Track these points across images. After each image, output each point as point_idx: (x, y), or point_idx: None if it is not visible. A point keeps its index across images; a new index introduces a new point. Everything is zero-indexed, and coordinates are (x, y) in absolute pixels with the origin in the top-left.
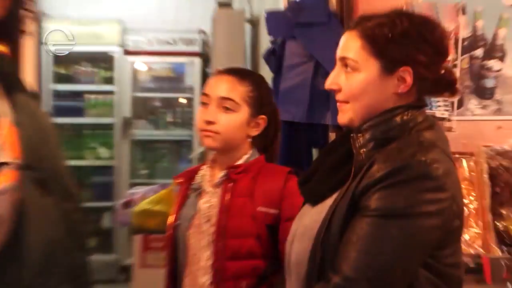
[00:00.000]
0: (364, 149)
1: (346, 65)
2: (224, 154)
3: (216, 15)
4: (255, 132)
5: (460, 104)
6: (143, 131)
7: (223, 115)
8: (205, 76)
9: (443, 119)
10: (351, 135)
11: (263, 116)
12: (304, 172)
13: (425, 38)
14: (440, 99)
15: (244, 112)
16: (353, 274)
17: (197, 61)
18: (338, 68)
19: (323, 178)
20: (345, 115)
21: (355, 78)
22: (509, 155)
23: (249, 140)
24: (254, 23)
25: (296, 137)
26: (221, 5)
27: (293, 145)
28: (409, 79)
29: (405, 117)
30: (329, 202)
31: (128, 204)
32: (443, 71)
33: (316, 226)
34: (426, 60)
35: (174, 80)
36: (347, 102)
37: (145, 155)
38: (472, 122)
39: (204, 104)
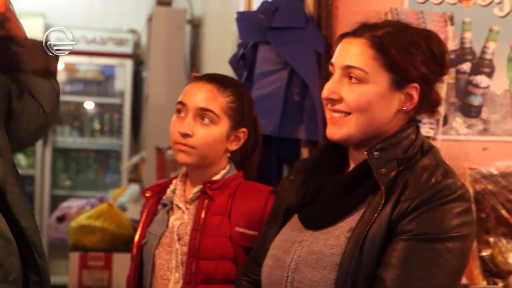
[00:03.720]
0: (385, 169)
1: (350, 74)
2: (198, 169)
3: (154, 14)
4: (234, 146)
5: (445, 122)
6: (67, 139)
7: (201, 128)
8: (137, 80)
9: (427, 138)
10: (366, 152)
11: (244, 129)
12: (300, 195)
13: (433, 53)
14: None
15: (224, 125)
16: None
17: (129, 63)
18: (338, 77)
19: (333, 201)
20: (342, 129)
21: (362, 89)
22: (495, 178)
23: (227, 154)
24: (195, 24)
25: (265, 151)
26: (160, 3)
27: (262, 160)
28: (416, 97)
29: (413, 136)
30: (342, 225)
31: (63, 218)
32: None
33: (334, 252)
34: (431, 77)
35: (103, 83)
36: (348, 113)
37: (69, 165)
38: (456, 142)
39: (179, 113)
